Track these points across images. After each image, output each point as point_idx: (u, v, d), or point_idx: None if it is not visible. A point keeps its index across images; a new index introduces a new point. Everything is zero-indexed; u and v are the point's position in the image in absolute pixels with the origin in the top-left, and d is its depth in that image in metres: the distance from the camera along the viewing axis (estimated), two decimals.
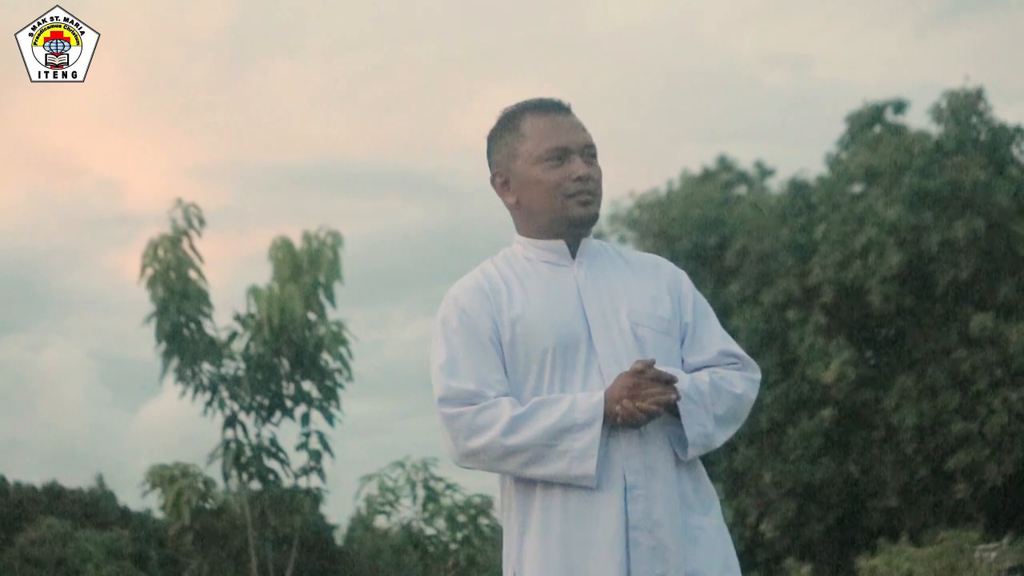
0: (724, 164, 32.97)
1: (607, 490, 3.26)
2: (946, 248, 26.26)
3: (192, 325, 11.38)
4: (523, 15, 56.35)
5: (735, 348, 3.52)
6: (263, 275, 11.78)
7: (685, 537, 3.29)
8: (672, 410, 3.30)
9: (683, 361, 3.45)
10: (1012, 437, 25.54)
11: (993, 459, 25.73)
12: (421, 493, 11.69)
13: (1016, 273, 26.63)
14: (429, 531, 11.73)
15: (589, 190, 3.42)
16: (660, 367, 3.29)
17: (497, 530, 12.12)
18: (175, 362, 11.36)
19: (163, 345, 11.35)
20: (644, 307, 3.42)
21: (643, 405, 3.22)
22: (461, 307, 3.41)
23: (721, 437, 3.39)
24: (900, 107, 29.57)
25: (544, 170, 3.41)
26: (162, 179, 52.33)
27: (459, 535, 11.62)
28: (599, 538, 3.24)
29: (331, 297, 11.70)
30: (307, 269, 11.60)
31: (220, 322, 11.62)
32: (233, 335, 11.63)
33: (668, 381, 3.26)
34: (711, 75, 53.02)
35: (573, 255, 3.47)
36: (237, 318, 11.67)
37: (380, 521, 12.33)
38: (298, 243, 11.67)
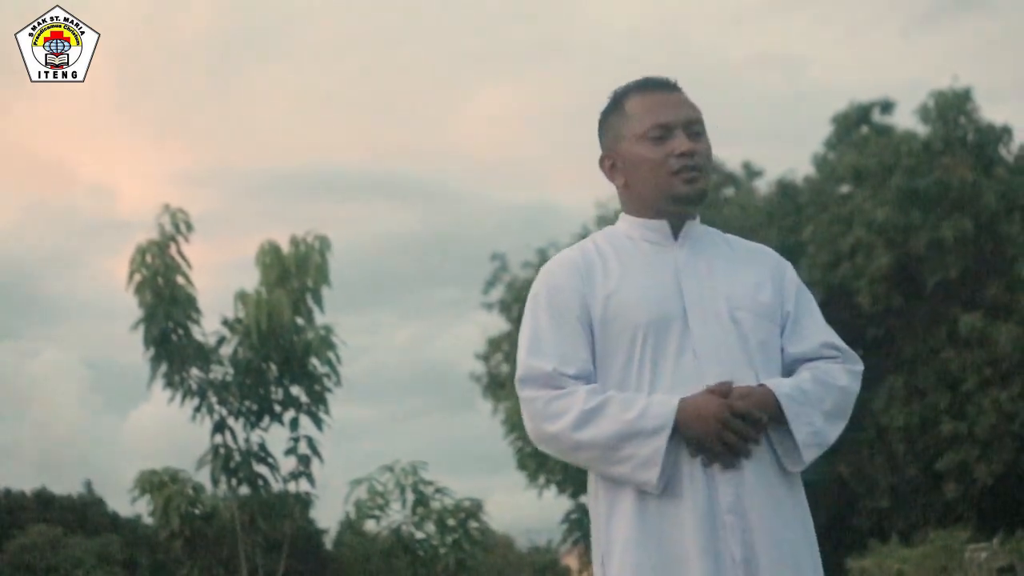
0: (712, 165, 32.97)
1: (694, 477, 3.22)
2: (934, 248, 26.28)
3: (180, 330, 11.35)
4: (512, 18, 56.40)
5: (837, 340, 3.47)
6: (251, 280, 11.75)
7: (775, 522, 3.24)
8: (776, 414, 3.25)
9: (783, 350, 3.41)
10: (1001, 437, 25.57)
11: (983, 459, 25.75)
12: (411, 497, 11.69)
13: (1004, 273, 26.65)
14: (419, 535, 11.73)
15: (694, 166, 3.38)
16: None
17: (486, 534, 12.12)
18: (163, 367, 11.34)
19: (151, 351, 11.32)
20: (744, 291, 3.39)
21: (732, 446, 3.19)
22: (552, 283, 3.40)
23: (833, 433, 3.37)
24: (887, 107, 29.63)
25: (647, 148, 3.39)
26: (151, 184, 52.29)
27: (449, 539, 11.62)
28: (687, 521, 3.20)
29: (319, 302, 11.67)
30: (295, 274, 11.57)
31: (208, 327, 11.60)
32: (221, 340, 11.60)
33: (756, 420, 3.20)
34: (699, 76, 53.00)
35: (676, 236, 3.43)
36: (225, 323, 11.64)
37: (370, 525, 12.33)
38: (286, 248, 11.64)
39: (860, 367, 3.47)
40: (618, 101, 3.49)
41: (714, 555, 3.18)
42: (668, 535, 3.21)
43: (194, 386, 11.41)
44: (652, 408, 3.21)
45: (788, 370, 3.41)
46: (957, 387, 26.23)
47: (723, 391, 3.21)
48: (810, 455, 3.30)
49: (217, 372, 11.53)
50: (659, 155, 3.37)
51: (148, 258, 11.32)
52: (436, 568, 11.55)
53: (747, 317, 3.35)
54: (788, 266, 3.55)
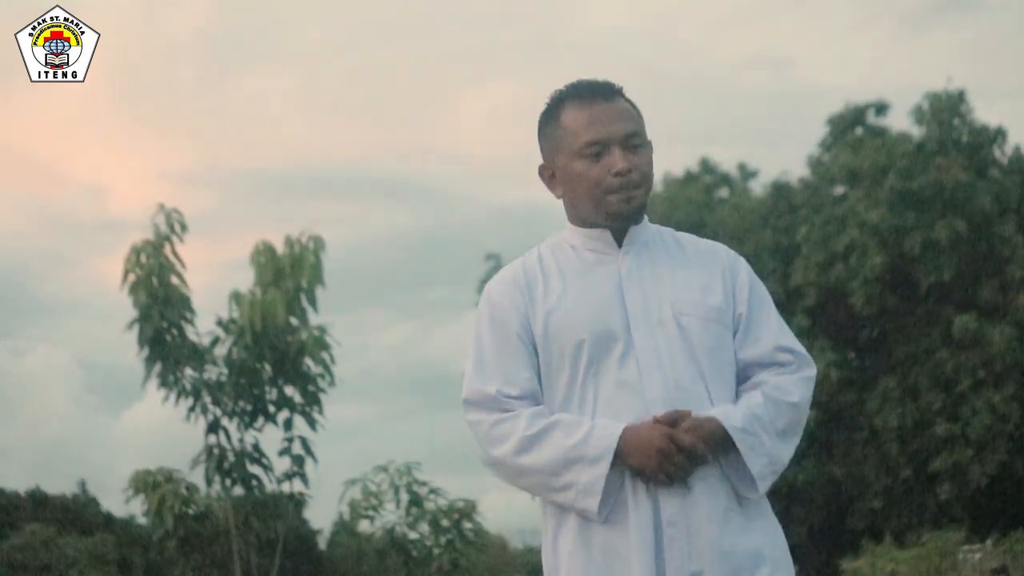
0: (706, 166, 32.96)
1: (638, 495, 3.17)
2: (928, 249, 26.29)
3: (174, 331, 11.37)
4: (504, 18, 56.40)
5: (791, 343, 3.36)
6: (245, 280, 11.78)
7: (725, 535, 3.16)
8: (724, 443, 3.18)
9: (736, 355, 3.32)
10: (995, 438, 25.57)
11: (976, 460, 25.75)
12: (404, 497, 11.70)
13: (998, 274, 26.67)
14: (412, 535, 11.74)
15: (632, 183, 3.29)
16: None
17: (480, 534, 12.13)
18: (158, 368, 11.35)
19: (146, 351, 11.33)
20: (691, 296, 3.29)
21: (673, 477, 3.13)
22: (493, 302, 3.35)
23: (787, 453, 3.27)
24: (881, 109, 29.65)
25: (584, 165, 3.30)
26: (145, 184, 52.23)
27: (442, 539, 11.63)
28: (631, 538, 3.14)
29: (313, 302, 11.69)
30: (289, 274, 11.59)
31: (202, 327, 11.63)
32: (215, 340, 11.62)
33: (699, 456, 3.13)
34: (693, 77, 53.13)
35: (620, 243, 3.35)
36: (219, 323, 11.66)
37: (364, 525, 12.34)
38: (280, 248, 11.66)
39: (813, 371, 3.36)
40: (554, 110, 3.40)
41: (657, 571, 3.12)
42: (612, 553, 3.17)
43: (188, 386, 11.43)
44: (595, 435, 3.15)
45: (742, 375, 3.33)
46: (951, 388, 26.23)
47: (670, 420, 3.14)
48: (766, 485, 3.23)
49: (211, 372, 11.56)
50: (595, 173, 3.29)
51: (143, 258, 11.34)
52: (430, 568, 11.56)
53: (694, 322, 3.27)
54: (742, 265, 3.45)
